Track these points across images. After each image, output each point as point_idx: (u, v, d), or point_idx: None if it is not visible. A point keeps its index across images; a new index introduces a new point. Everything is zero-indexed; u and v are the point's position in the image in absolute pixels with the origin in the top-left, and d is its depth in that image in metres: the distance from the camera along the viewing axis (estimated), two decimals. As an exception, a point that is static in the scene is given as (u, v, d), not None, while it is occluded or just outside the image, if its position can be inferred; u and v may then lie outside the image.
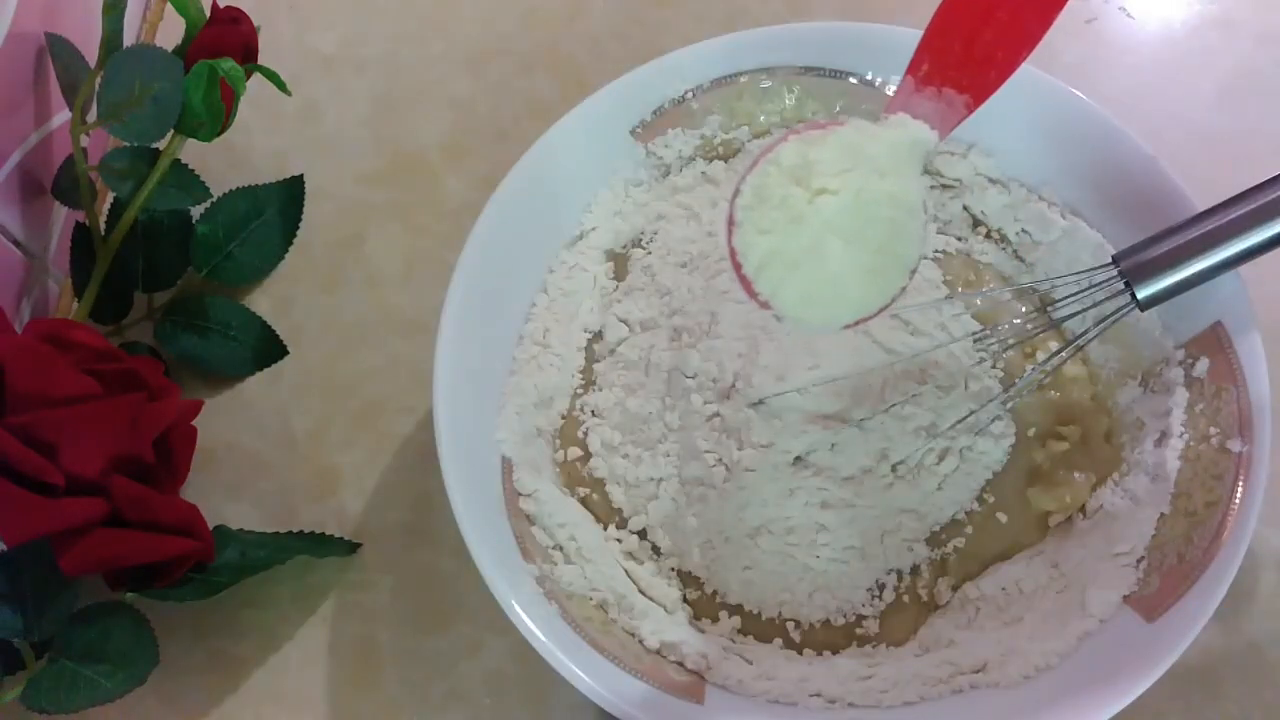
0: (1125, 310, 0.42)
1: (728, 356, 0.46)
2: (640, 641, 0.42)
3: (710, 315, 0.47)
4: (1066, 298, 0.44)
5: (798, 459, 0.44)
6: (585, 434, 0.47)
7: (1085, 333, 0.44)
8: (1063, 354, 0.46)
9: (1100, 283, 0.42)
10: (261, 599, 0.48)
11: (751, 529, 0.44)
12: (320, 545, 0.48)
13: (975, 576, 0.45)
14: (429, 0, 0.62)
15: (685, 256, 0.50)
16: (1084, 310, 0.44)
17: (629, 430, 0.47)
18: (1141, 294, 0.41)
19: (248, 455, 0.51)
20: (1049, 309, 0.48)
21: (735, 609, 0.45)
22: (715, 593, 0.45)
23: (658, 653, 0.42)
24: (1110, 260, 0.42)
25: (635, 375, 0.47)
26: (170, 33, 0.61)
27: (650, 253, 0.51)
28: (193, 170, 0.51)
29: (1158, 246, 0.41)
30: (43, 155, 0.52)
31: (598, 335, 0.50)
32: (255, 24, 0.51)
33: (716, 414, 0.45)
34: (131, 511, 0.42)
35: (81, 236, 0.52)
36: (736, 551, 0.44)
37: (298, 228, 0.56)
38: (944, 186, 0.51)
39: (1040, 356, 0.48)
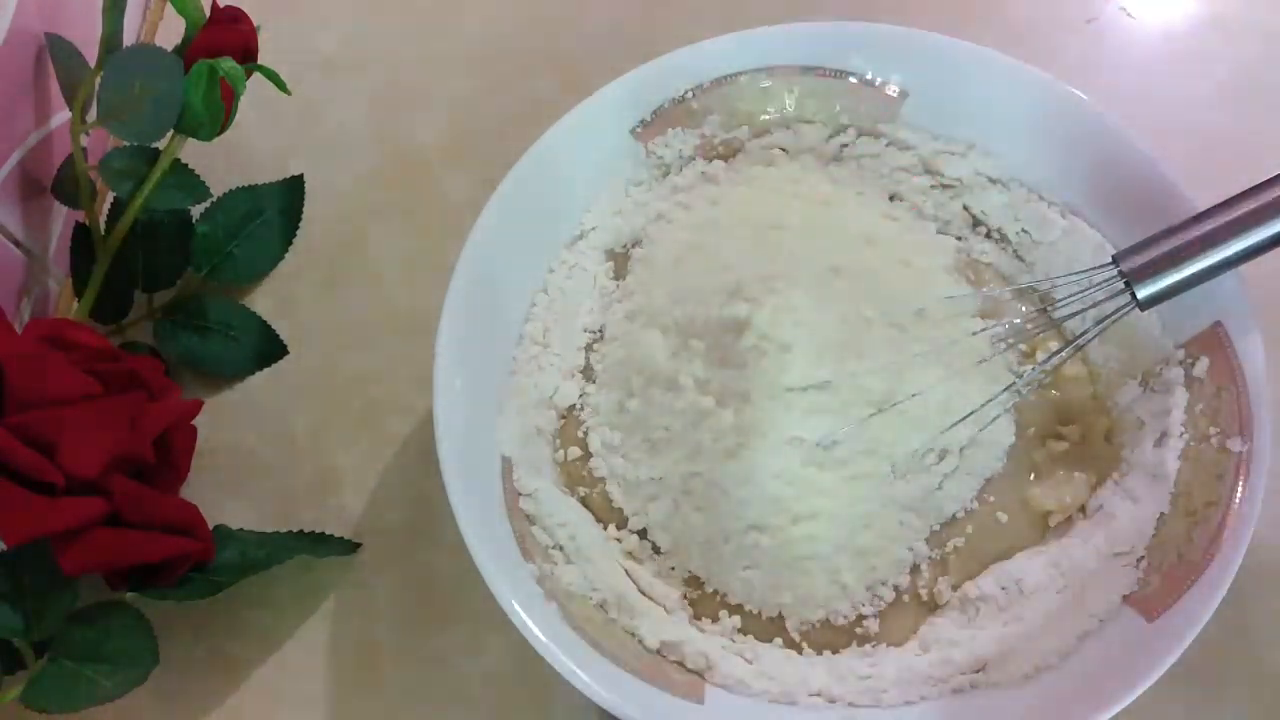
0: (1125, 310, 0.42)
1: (730, 355, 0.46)
2: (640, 641, 0.42)
3: (713, 316, 0.47)
4: (1067, 298, 0.44)
5: (800, 455, 0.44)
6: (585, 434, 0.47)
7: (1085, 332, 0.44)
8: (1063, 354, 0.46)
9: (1100, 283, 0.42)
10: (262, 599, 0.48)
11: (751, 526, 0.44)
12: (320, 545, 0.48)
13: (975, 576, 0.45)
14: (429, 0, 0.62)
15: (686, 256, 0.50)
16: (1084, 310, 0.44)
17: (629, 430, 0.47)
18: (1141, 294, 0.41)
19: (248, 455, 0.51)
20: (1049, 309, 0.48)
21: (735, 608, 0.45)
22: (715, 592, 0.45)
23: (657, 652, 0.42)
24: (1110, 260, 0.42)
25: (636, 375, 0.47)
26: (170, 32, 0.61)
27: (651, 252, 0.50)
28: (193, 170, 0.51)
29: (1157, 247, 0.41)
30: (43, 155, 0.52)
31: (599, 334, 0.50)
32: (255, 23, 0.51)
33: (718, 413, 0.45)
34: (131, 511, 0.42)
35: (81, 236, 0.52)
36: (736, 551, 0.44)
37: (298, 227, 0.56)
38: (944, 186, 0.51)
39: (1040, 356, 0.48)
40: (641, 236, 0.51)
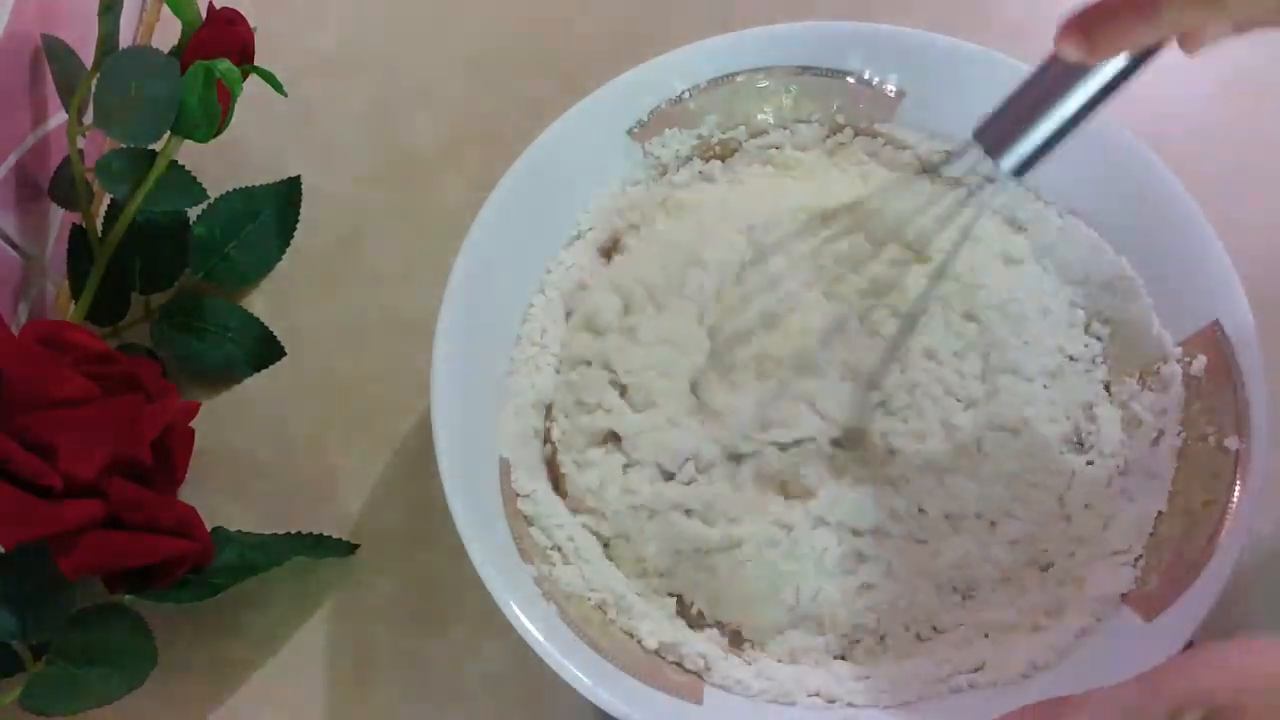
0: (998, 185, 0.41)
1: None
2: (639, 642, 0.42)
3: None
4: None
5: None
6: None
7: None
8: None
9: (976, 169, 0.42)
10: (260, 600, 0.47)
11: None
12: (318, 546, 0.48)
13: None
14: (426, 1, 0.62)
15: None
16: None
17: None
18: (1006, 165, 0.40)
19: (245, 457, 0.51)
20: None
21: (721, 625, 0.44)
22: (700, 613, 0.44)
23: (656, 653, 0.42)
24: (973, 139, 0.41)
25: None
26: (166, 34, 0.61)
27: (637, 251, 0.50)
28: (189, 171, 0.51)
29: (1006, 115, 0.40)
30: (40, 157, 0.52)
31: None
32: (251, 25, 0.51)
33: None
34: (129, 513, 0.42)
35: (78, 238, 0.52)
36: (699, 567, 0.44)
37: (295, 229, 0.55)
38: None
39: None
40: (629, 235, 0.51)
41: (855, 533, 0.43)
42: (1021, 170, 0.41)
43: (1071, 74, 0.38)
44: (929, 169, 0.51)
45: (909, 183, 0.49)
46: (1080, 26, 0.35)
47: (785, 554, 0.43)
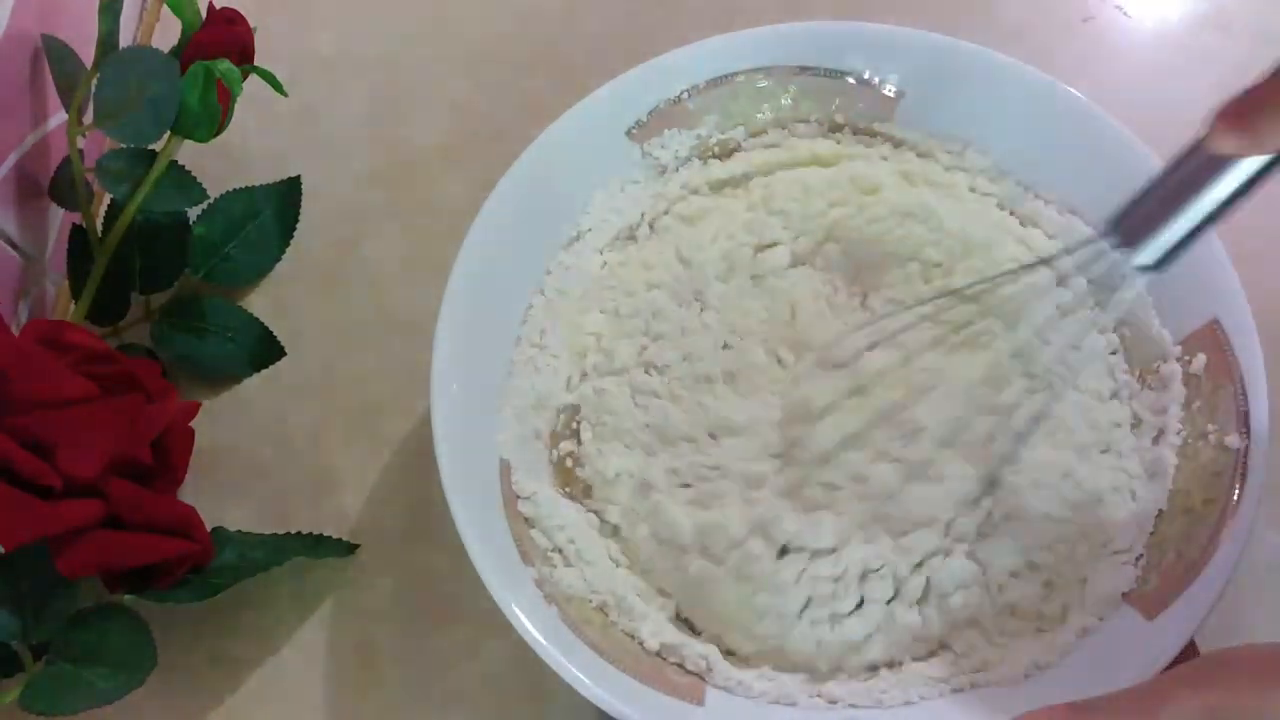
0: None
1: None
2: (640, 643, 0.42)
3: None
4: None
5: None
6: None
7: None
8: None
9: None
10: (260, 600, 0.47)
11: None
12: (318, 546, 0.48)
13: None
14: (427, 1, 0.62)
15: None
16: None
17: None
18: (1142, 259, 0.39)
19: (245, 457, 0.51)
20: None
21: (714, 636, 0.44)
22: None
23: (658, 654, 0.42)
24: (1106, 233, 0.39)
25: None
26: (166, 34, 0.61)
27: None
28: (189, 171, 0.51)
29: (1142, 207, 0.38)
30: (39, 157, 0.52)
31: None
32: (251, 25, 0.51)
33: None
34: (129, 513, 0.42)
35: (78, 238, 0.52)
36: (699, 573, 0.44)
37: (295, 229, 0.55)
38: (940, 185, 0.51)
39: None
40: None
41: (837, 580, 0.42)
42: (1160, 264, 0.39)
43: (1219, 163, 0.36)
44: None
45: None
46: (1240, 117, 0.33)
47: (760, 583, 0.42)
